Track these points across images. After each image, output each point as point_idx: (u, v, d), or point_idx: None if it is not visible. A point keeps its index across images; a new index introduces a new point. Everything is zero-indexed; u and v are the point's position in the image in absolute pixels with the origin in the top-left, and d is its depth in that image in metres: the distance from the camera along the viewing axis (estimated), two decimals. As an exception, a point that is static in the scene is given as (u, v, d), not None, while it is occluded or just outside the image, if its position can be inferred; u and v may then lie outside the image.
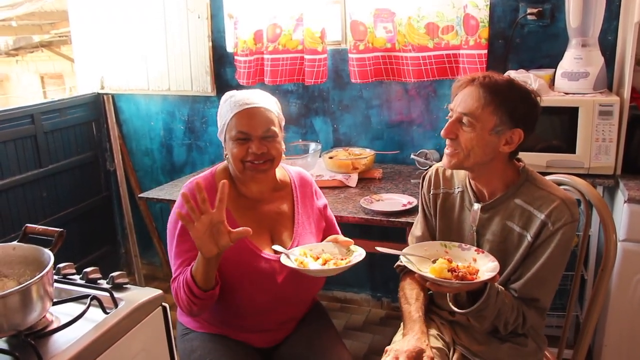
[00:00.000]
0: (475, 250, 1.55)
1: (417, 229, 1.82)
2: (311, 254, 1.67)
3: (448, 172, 1.76)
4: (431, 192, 1.76)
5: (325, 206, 1.92)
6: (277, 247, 1.69)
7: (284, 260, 1.62)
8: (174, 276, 1.64)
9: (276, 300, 1.71)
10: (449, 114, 1.60)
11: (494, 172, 1.60)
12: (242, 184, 1.75)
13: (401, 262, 1.58)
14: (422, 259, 1.55)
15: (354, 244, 1.74)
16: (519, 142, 1.56)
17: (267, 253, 1.70)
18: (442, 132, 1.58)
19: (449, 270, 1.45)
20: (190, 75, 3.32)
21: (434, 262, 1.51)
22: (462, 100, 1.55)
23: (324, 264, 1.63)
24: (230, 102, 1.69)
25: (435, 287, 1.47)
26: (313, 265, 1.61)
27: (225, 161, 1.77)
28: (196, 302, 1.55)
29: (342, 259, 1.65)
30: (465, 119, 1.53)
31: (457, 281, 1.42)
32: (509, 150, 1.56)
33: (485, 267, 1.48)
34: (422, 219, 1.81)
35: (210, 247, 1.43)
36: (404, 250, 1.55)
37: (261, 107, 1.68)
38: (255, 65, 3.05)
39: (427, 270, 1.48)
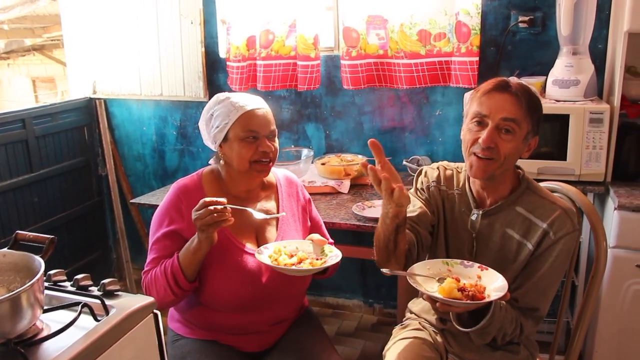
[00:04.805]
0: (479, 267, 1.52)
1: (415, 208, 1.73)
2: (285, 251, 1.69)
3: (449, 172, 1.74)
4: (441, 188, 1.72)
5: (309, 201, 1.95)
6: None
7: (257, 256, 1.65)
8: (146, 269, 1.73)
9: (262, 297, 1.73)
10: (474, 119, 1.55)
11: (506, 179, 1.61)
12: (232, 182, 1.80)
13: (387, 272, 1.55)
14: (426, 278, 1.50)
15: (330, 245, 1.78)
16: (534, 149, 1.60)
17: (250, 248, 1.75)
18: (483, 140, 1.50)
19: (458, 290, 1.40)
20: (182, 81, 3.31)
21: (438, 280, 1.48)
22: (500, 106, 1.51)
23: (300, 262, 1.65)
24: (232, 104, 1.73)
25: (445, 308, 1.42)
26: (307, 266, 1.64)
27: (213, 164, 1.84)
28: (177, 292, 1.64)
29: (317, 259, 1.68)
30: (507, 126, 1.50)
31: (468, 301, 1.38)
32: (527, 157, 1.59)
33: (493, 285, 1.45)
34: (421, 203, 1.73)
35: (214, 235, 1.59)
36: (407, 270, 1.53)
37: (265, 108, 1.77)
38: (247, 71, 3.05)
39: (435, 290, 1.44)
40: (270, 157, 1.75)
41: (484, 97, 1.54)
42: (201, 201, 1.56)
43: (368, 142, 1.44)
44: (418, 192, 1.76)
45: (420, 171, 1.79)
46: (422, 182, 1.76)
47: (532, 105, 1.53)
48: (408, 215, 1.65)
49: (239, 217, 1.71)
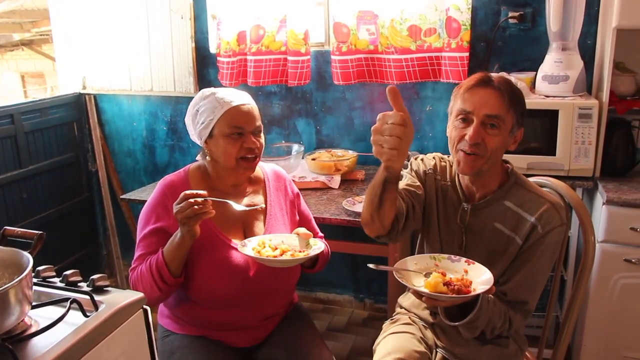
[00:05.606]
0: (466, 262, 1.53)
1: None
2: (270, 244, 1.69)
3: (443, 163, 1.75)
4: (437, 177, 1.72)
5: (297, 195, 1.95)
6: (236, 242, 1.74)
7: (240, 248, 1.66)
8: (133, 266, 1.73)
9: (250, 292, 1.73)
10: (458, 116, 1.56)
11: (494, 173, 1.62)
12: (218, 178, 1.80)
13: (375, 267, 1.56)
14: (414, 273, 1.52)
15: (316, 238, 1.79)
16: (520, 141, 1.60)
17: (236, 243, 1.74)
18: (470, 137, 1.51)
19: (444, 284, 1.42)
20: (173, 76, 3.30)
21: (426, 275, 1.49)
22: (483, 102, 1.52)
23: (282, 254, 1.65)
24: (217, 100, 1.71)
25: (431, 302, 1.44)
26: (288, 257, 1.65)
27: (200, 160, 1.83)
28: (163, 288, 1.63)
29: (300, 252, 1.69)
30: (492, 122, 1.51)
31: (454, 295, 1.39)
32: (513, 149, 1.60)
33: (480, 279, 1.46)
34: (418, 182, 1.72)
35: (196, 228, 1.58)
36: (395, 266, 1.53)
37: (250, 104, 1.75)
38: (238, 66, 3.04)
39: (422, 285, 1.45)
40: (256, 152, 1.74)
41: (467, 93, 1.55)
42: (182, 194, 1.56)
43: (387, 89, 1.31)
44: (413, 173, 1.76)
45: (417, 157, 1.80)
46: (418, 166, 1.75)
47: (515, 99, 1.54)
48: (407, 184, 1.67)
49: (225, 212, 1.71)
